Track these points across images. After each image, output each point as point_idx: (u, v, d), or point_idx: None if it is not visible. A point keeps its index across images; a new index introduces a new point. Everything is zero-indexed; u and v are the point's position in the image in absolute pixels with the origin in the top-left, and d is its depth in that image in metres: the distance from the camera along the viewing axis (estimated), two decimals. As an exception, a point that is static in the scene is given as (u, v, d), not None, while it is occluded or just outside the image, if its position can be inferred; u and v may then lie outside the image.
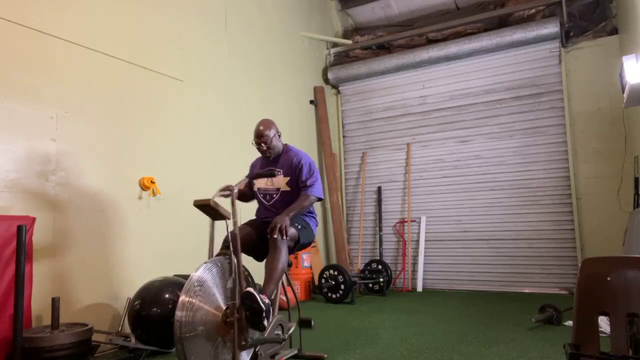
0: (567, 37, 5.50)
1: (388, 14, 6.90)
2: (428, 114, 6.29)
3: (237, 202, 3.06)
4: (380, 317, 4.21)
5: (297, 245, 2.84)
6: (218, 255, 2.50)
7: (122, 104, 3.66)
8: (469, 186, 5.95)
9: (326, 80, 6.90)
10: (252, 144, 2.97)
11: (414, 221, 6.27)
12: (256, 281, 2.82)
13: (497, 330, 3.56)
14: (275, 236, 2.62)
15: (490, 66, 5.94)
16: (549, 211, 5.49)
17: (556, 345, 3.08)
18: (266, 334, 2.53)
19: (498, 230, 5.74)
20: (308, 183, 2.89)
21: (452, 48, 5.98)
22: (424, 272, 6.07)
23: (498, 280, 5.68)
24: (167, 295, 3.04)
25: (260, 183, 3.03)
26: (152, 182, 3.78)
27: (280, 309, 3.23)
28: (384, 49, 6.79)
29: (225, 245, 2.55)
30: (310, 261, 5.50)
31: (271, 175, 2.84)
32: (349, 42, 6.95)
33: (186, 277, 2.54)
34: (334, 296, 5.11)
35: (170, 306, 2.96)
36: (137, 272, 3.59)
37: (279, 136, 3.01)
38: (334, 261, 6.38)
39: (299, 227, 2.83)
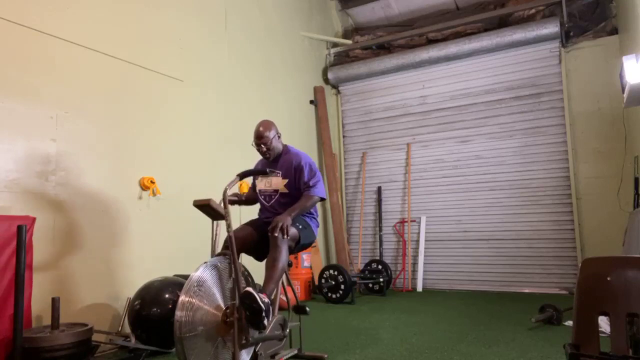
0: (567, 37, 5.50)
1: (388, 14, 6.90)
2: (428, 114, 6.29)
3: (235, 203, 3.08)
4: (380, 317, 4.21)
5: (298, 246, 2.84)
6: (218, 255, 2.50)
7: (122, 104, 3.66)
8: (469, 186, 5.95)
9: (326, 80, 6.90)
10: (252, 145, 2.97)
11: (414, 221, 6.27)
12: (256, 281, 2.83)
13: (497, 330, 3.56)
14: (277, 234, 2.62)
15: (490, 66, 5.94)
16: (549, 211, 5.49)
17: (556, 345, 3.08)
18: (266, 333, 2.53)
19: (498, 230, 5.74)
20: (310, 183, 2.88)
21: (452, 48, 5.98)
22: (424, 272, 6.07)
23: (498, 280, 5.68)
24: (167, 295, 3.04)
25: (260, 185, 3.04)
26: (152, 182, 3.78)
27: (280, 309, 3.23)
28: (384, 49, 6.79)
29: (226, 245, 2.55)
30: (310, 261, 5.50)
31: (263, 173, 2.84)
32: (349, 42, 6.95)
33: (186, 277, 2.54)
34: (334, 296, 5.11)
35: (170, 306, 2.96)
36: (137, 272, 3.59)
37: (279, 137, 3.01)
38: (334, 261, 6.38)
39: (300, 227, 2.83)
